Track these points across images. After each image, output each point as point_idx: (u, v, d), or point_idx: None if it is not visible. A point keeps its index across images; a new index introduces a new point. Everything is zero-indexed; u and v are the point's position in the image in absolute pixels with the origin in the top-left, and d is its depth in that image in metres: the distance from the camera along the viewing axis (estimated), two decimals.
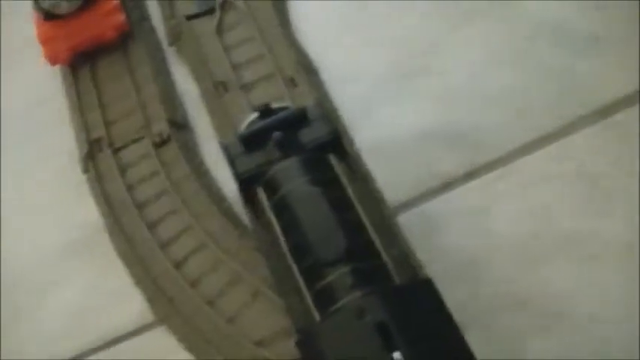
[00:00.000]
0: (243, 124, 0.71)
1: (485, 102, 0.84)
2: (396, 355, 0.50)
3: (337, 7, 0.97)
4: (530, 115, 0.82)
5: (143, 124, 0.92)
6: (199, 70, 0.94)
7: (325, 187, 0.63)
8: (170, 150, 0.89)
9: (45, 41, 0.97)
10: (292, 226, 0.62)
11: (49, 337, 0.81)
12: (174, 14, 1.00)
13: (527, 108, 0.82)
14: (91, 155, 0.91)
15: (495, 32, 0.89)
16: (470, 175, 0.80)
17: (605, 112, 0.80)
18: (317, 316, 0.57)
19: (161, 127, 0.91)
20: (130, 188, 0.87)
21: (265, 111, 0.70)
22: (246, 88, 0.90)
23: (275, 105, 0.71)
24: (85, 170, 0.90)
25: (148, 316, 0.79)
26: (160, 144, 0.89)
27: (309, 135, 0.68)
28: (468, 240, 0.76)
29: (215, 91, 0.91)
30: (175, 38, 0.98)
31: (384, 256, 0.60)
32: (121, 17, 0.98)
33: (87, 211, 0.88)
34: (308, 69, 0.91)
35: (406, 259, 0.66)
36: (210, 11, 0.98)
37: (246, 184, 0.67)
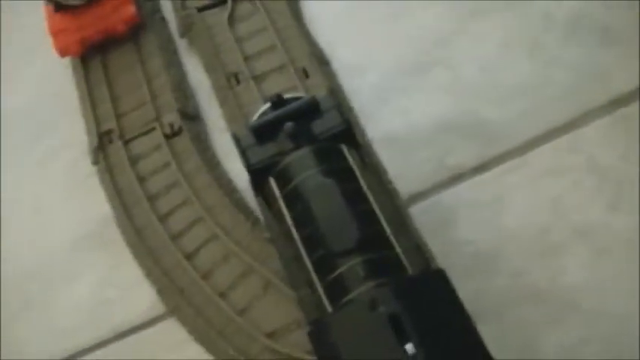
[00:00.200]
0: (255, 115, 0.71)
1: (497, 94, 0.84)
2: (409, 346, 0.50)
3: (345, 3, 0.97)
4: (541, 108, 0.81)
5: (154, 116, 0.92)
6: (211, 61, 0.94)
7: (338, 178, 0.62)
8: (181, 141, 0.89)
9: (55, 33, 0.97)
10: (304, 217, 0.62)
11: (62, 330, 0.82)
12: (186, 6, 1.00)
13: (538, 101, 0.82)
14: (101, 147, 0.91)
15: (507, 25, 0.88)
16: (482, 167, 0.80)
17: (616, 104, 0.79)
18: (329, 307, 0.57)
19: (172, 118, 0.91)
20: (141, 180, 0.87)
21: (277, 101, 0.69)
22: (259, 79, 0.90)
23: (287, 95, 0.70)
24: (95, 162, 0.90)
25: (160, 308, 0.80)
26: (172, 135, 0.89)
27: (322, 125, 0.68)
28: (480, 232, 0.76)
29: (227, 82, 0.91)
30: (187, 30, 0.98)
31: (397, 247, 0.59)
32: (132, 9, 0.97)
33: (98, 204, 0.88)
34: (320, 60, 0.90)
35: (418, 250, 0.65)
36: (221, 2, 0.98)
37: (258, 175, 0.67)
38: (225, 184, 0.85)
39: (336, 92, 0.86)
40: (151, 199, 0.85)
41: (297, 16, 0.95)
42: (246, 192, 0.81)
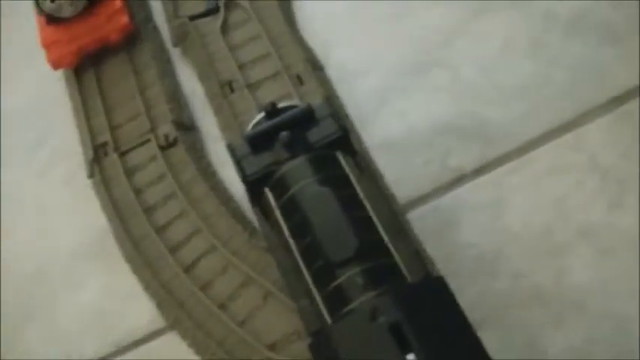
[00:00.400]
0: (249, 125, 0.70)
1: (497, 94, 0.83)
2: (410, 357, 0.49)
3: (345, 3, 0.96)
4: (542, 108, 0.81)
5: (149, 127, 0.91)
6: (205, 70, 0.93)
7: (334, 186, 0.61)
8: (177, 152, 0.88)
9: (48, 45, 0.96)
10: (301, 226, 0.61)
11: (61, 344, 0.81)
12: (179, 15, 0.99)
13: (539, 100, 0.81)
14: (97, 160, 0.90)
15: (508, 24, 0.87)
16: (483, 169, 0.79)
17: (618, 102, 0.79)
18: (329, 318, 0.56)
19: (167, 129, 0.90)
20: (137, 192, 0.86)
21: (272, 110, 0.68)
22: (253, 87, 0.89)
23: (282, 104, 0.70)
24: (91, 175, 0.89)
25: (161, 321, 0.79)
26: (167, 146, 0.89)
27: (317, 134, 0.67)
28: (482, 234, 0.75)
29: (221, 90, 0.90)
30: (180, 39, 0.97)
31: (395, 255, 0.58)
32: (125, 19, 0.96)
33: (98, 214, 0.87)
34: (315, 65, 0.90)
35: (417, 256, 0.65)
36: (214, 11, 0.97)
37: (254, 185, 0.66)
38: (222, 193, 0.84)
39: (331, 99, 0.85)
40: (148, 211, 0.85)
41: (290, 22, 0.94)
42: (243, 201, 0.81)
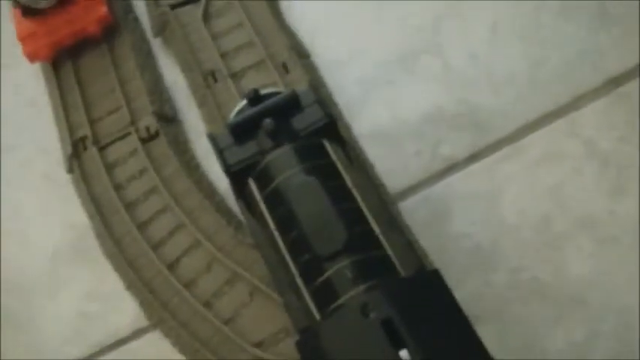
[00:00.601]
0: (232, 113, 0.67)
1: (488, 80, 0.82)
2: (403, 353, 0.48)
3: None
4: (535, 92, 0.80)
5: (129, 120, 0.88)
6: (187, 60, 0.91)
7: (321, 176, 0.59)
8: (159, 145, 0.86)
9: (24, 38, 0.93)
10: (287, 218, 0.59)
11: (43, 346, 0.80)
12: (159, 4, 0.97)
13: (532, 84, 0.80)
14: (75, 154, 0.88)
15: (499, 8, 0.86)
16: (475, 157, 0.78)
17: (614, 84, 0.78)
18: (317, 314, 0.55)
19: (148, 121, 0.87)
20: (117, 187, 0.84)
21: (254, 97, 0.66)
22: (237, 76, 0.87)
23: (265, 91, 0.67)
24: (70, 170, 0.87)
25: (143, 320, 0.77)
26: (148, 139, 0.86)
27: (303, 121, 0.64)
28: (475, 225, 0.74)
29: (204, 81, 0.88)
30: (161, 29, 0.95)
31: (387, 247, 0.56)
32: (103, 9, 0.94)
33: (78, 213, 0.85)
34: (300, 53, 0.88)
35: (410, 248, 0.62)
36: None
37: (237, 177, 0.64)
38: (206, 187, 0.82)
39: (318, 86, 0.83)
40: (129, 206, 0.83)
41: (274, 8, 0.92)
42: (227, 194, 0.79)
